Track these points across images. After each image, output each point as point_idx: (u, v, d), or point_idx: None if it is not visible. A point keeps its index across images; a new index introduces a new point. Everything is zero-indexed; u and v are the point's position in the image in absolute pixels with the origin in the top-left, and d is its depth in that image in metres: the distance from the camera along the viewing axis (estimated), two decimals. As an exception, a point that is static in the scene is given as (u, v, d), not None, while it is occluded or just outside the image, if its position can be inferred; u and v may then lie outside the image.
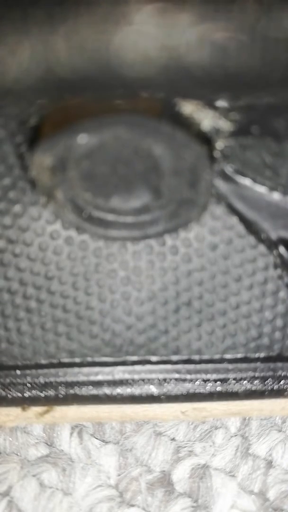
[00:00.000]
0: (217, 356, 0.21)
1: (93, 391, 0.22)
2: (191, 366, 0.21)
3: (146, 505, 0.21)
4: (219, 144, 0.17)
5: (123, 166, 0.17)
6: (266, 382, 0.22)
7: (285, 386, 0.22)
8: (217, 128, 0.17)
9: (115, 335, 0.21)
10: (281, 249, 0.19)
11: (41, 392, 0.22)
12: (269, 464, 0.22)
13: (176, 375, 0.22)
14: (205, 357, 0.21)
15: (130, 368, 0.21)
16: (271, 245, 0.19)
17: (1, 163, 0.17)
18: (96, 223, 0.18)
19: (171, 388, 0.22)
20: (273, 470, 0.22)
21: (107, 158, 0.16)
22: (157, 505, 0.21)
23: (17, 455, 0.23)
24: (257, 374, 0.21)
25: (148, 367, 0.21)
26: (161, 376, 0.22)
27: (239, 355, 0.21)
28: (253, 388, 0.22)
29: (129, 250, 0.19)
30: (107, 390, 0.22)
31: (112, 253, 0.19)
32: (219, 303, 0.20)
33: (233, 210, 0.18)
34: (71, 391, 0.22)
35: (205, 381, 0.22)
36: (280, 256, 0.19)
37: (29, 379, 0.21)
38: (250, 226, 0.19)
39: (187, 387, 0.22)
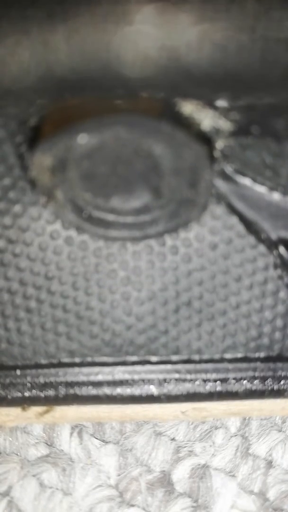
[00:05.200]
0: (217, 356, 0.21)
1: (93, 391, 0.22)
2: (191, 366, 0.21)
3: (146, 505, 0.21)
4: (219, 144, 0.17)
5: (123, 166, 0.17)
6: (266, 382, 0.22)
7: (285, 386, 0.22)
8: (217, 128, 0.17)
9: (115, 335, 0.21)
10: (281, 249, 0.19)
11: (41, 392, 0.22)
12: (269, 464, 0.22)
13: (176, 375, 0.22)
14: (205, 357, 0.21)
15: (130, 368, 0.21)
16: (271, 245, 0.19)
17: (1, 163, 0.17)
18: (96, 223, 0.18)
19: (171, 388, 0.22)
20: (273, 470, 0.22)
21: (107, 158, 0.16)
22: (157, 505, 0.21)
23: (17, 455, 0.23)
24: (257, 374, 0.21)
25: (148, 367, 0.21)
26: (161, 376, 0.22)
27: (239, 355, 0.21)
28: (253, 388, 0.22)
29: (129, 250, 0.19)
30: (107, 390, 0.22)
31: (112, 253, 0.19)
32: (219, 303, 0.20)
33: (233, 210, 0.18)
34: (71, 391, 0.22)
35: (205, 381, 0.22)
36: (280, 256, 0.19)
37: (29, 379, 0.21)
38: (250, 226, 0.19)
39: (187, 387, 0.22)
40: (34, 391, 0.22)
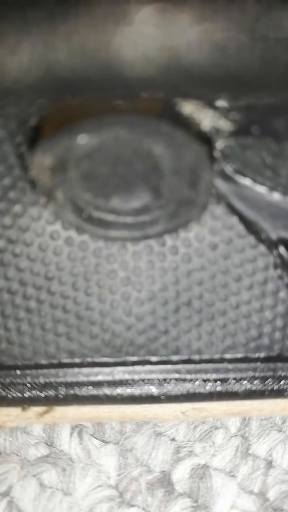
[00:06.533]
0: (217, 356, 0.21)
1: (93, 391, 0.22)
2: (191, 366, 0.21)
3: (146, 505, 0.21)
4: (219, 144, 0.17)
5: (123, 166, 0.17)
6: (266, 382, 0.22)
7: (285, 386, 0.22)
8: (217, 128, 0.17)
9: (115, 335, 0.21)
10: (281, 249, 0.19)
11: (41, 392, 0.22)
12: (269, 464, 0.22)
13: (176, 375, 0.22)
14: (205, 357, 0.21)
15: (130, 368, 0.21)
16: (271, 245, 0.19)
17: (1, 163, 0.17)
18: (96, 224, 0.18)
19: (171, 388, 0.22)
20: (273, 470, 0.22)
21: (107, 158, 0.16)
22: (157, 505, 0.21)
23: (17, 455, 0.23)
24: (257, 374, 0.21)
25: (148, 367, 0.21)
26: (161, 376, 0.22)
27: (239, 355, 0.21)
28: (253, 388, 0.22)
29: (129, 250, 0.19)
30: (107, 391, 0.22)
31: (112, 253, 0.19)
32: (219, 303, 0.20)
33: (233, 210, 0.18)
34: (71, 392, 0.22)
35: (205, 381, 0.22)
36: (280, 256, 0.19)
37: (29, 379, 0.21)
38: (250, 226, 0.19)
39: (187, 387, 0.22)
40: (34, 391, 0.22)
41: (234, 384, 0.22)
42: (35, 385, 0.22)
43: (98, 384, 0.22)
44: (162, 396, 0.22)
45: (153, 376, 0.22)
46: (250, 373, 0.21)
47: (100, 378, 0.22)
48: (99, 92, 0.14)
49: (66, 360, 0.21)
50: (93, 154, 0.16)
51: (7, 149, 0.17)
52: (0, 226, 0.19)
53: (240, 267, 0.19)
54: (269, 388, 0.22)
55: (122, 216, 0.18)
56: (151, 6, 0.13)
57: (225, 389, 0.22)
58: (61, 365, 0.21)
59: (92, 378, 0.22)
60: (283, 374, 0.21)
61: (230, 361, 0.21)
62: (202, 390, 0.22)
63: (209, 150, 0.17)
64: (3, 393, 0.22)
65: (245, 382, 0.22)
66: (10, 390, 0.22)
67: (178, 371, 0.21)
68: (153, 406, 0.22)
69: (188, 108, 0.16)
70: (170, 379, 0.22)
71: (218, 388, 0.22)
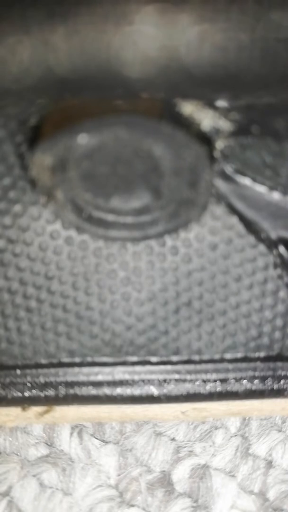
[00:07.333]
0: (217, 356, 0.21)
1: (93, 391, 0.22)
2: (191, 367, 0.21)
3: (146, 505, 0.21)
4: (219, 144, 0.17)
5: (123, 167, 0.17)
6: (266, 381, 0.22)
7: (285, 386, 0.22)
8: (217, 128, 0.17)
9: (115, 335, 0.21)
10: (281, 248, 0.19)
11: (41, 392, 0.22)
12: (269, 464, 0.22)
13: (176, 376, 0.22)
14: (205, 357, 0.21)
15: (130, 368, 0.21)
16: (271, 244, 0.19)
17: (1, 163, 0.17)
18: (96, 223, 0.18)
19: (171, 389, 0.22)
20: (273, 470, 0.22)
21: (107, 159, 0.17)
22: (157, 505, 0.21)
23: (17, 455, 0.23)
24: (257, 374, 0.21)
25: (148, 367, 0.21)
26: (161, 377, 0.22)
27: (239, 355, 0.21)
28: (253, 388, 0.22)
29: (129, 250, 0.19)
30: (107, 391, 0.22)
31: (112, 253, 0.19)
32: (219, 303, 0.20)
33: (233, 210, 0.18)
34: (71, 391, 0.22)
35: (205, 381, 0.22)
36: (280, 255, 0.19)
37: (29, 378, 0.21)
38: (250, 226, 0.19)
39: (187, 387, 0.22)
40: (34, 391, 0.22)
41: (234, 384, 0.22)
42: (35, 385, 0.22)
43: (98, 384, 0.22)
44: (162, 396, 0.22)
45: (153, 376, 0.22)
46: (250, 373, 0.21)
47: (100, 378, 0.22)
48: (99, 92, 0.14)
49: (66, 360, 0.21)
50: (93, 154, 0.16)
51: (7, 148, 0.17)
52: (0, 225, 0.19)
53: (240, 267, 0.19)
54: (269, 387, 0.22)
55: (122, 216, 0.18)
56: (151, 6, 0.13)
57: (225, 389, 0.22)
58: (61, 365, 0.21)
59: (92, 378, 0.22)
60: (283, 373, 0.21)
61: (230, 361, 0.21)
62: (202, 390, 0.22)
63: (209, 150, 0.17)
64: (3, 393, 0.22)
65: (245, 382, 0.22)
66: (10, 390, 0.22)
67: (178, 372, 0.21)
68: (153, 406, 0.22)
69: (188, 108, 0.16)
70: (170, 380, 0.22)
71: (218, 388, 0.22)
